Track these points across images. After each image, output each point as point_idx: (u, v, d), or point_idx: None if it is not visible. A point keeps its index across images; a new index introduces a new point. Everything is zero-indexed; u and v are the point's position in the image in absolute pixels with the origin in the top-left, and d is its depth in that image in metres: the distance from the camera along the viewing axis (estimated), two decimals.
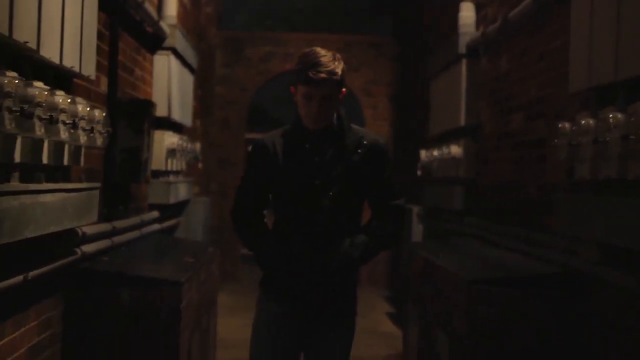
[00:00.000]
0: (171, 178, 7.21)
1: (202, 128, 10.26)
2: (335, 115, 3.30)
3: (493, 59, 6.42)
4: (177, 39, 6.93)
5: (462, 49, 6.89)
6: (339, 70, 3.16)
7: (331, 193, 3.26)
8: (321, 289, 3.32)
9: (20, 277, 3.37)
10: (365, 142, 3.32)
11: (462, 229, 6.86)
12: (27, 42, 3.12)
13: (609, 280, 3.87)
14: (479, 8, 6.98)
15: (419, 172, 8.50)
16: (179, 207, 7.95)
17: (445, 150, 7.29)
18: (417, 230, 8.53)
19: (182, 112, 7.54)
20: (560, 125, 4.16)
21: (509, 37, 5.94)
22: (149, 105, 5.68)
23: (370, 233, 3.35)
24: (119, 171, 5.30)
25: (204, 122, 10.53)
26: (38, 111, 3.11)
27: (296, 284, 3.32)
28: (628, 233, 3.45)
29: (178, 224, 7.82)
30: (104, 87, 5.01)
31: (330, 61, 3.16)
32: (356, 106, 12.57)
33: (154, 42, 6.63)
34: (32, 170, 3.42)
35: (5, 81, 2.81)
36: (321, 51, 3.21)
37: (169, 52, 6.82)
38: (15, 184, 3.16)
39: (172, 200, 6.94)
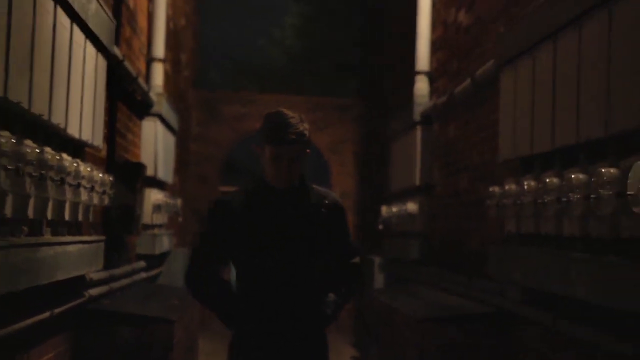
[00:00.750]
0: (156, 231, 7.98)
1: (179, 183, 11.05)
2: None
3: (443, 127, 7.31)
4: (162, 105, 7.76)
5: (417, 117, 7.79)
6: (306, 132, 3.25)
7: (296, 250, 3.31)
8: (293, 346, 3.34)
9: (47, 313, 4.12)
10: (326, 201, 3.40)
11: (417, 277, 7.68)
12: (59, 124, 3.92)
13: (529, 317, 4.70)
14: (432, 81, 7.88)
15: (380, 227, 9.32)
16: (161, 257, 8.70)
17: (402, 206, 8.14)
18: (379, 279, 9.32)
19: (165, 171, 8.34)
20: (490, 189, 5.02)
21: (455, 109, 6.83)
22: (141, 167, 6.48)
23: (337, 291, 3.41)
24: (115, 225, 6.06)
25: (181, 178, 11.32)
26: (68, 179, 3.90)
27: (268, 341, 3.32)
28: (541, 277, 4.28)
29: (160, 272, 8.57)
30: (104, 152, 5.80)
31: (299, 122, 3.24)
32: (323, 162, 13.44)
33: (143, 109, 7.44)
34: (58, 226, 4.19)
35: (49, 157, 3.60)
36: (288, 113, 3.29)
37: (155, 118, 7.64)
38: (48, 237, 3.93)
39: (157, 251, 7.71)
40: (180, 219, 10.35)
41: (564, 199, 3.86)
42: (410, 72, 8.41)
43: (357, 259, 3.51)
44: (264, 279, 3.31)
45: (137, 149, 7.38)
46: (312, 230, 3.34)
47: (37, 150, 3.51)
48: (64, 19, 3.88)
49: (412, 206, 7.85)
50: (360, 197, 12.60)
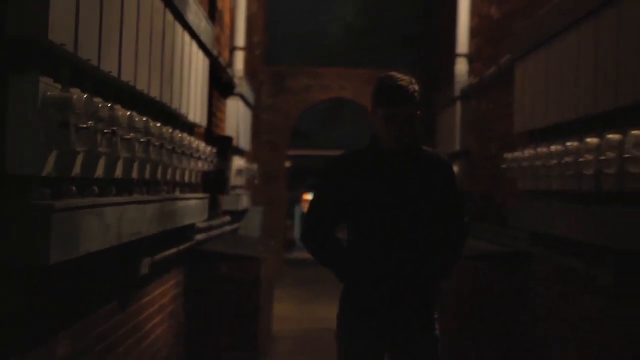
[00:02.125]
0: (238, 191, 9.56)
1: (254, 150, 12.63)
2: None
3: (478, 103, 8.71)
4: (243, 87, 9.30)
5: (457, 93, 9.19)
6: (416, 93, 3.34)
7: (409, 210, 3.39)
8: (404, 303, 3.42)
9: (174, 249, 5.69)
10: (437, 162, 3.48)
11: None
12: (185, 113, 5.46)
13: (535, 255, 6.14)
14: (470, 62, 9.26)
15: None
16: (242, 213, 10.30)
17: None
18: None
19: (244, 141, 9.90)
20: (505, 155, 6.45)
21: (486, 89, 8.23)
22: (230, 139, 8.04)
23: (447, 250, 3.50)
24: (213, 186, 7.64)
25: (254, 145, 12.90)
26: (190, 152, 5.45)
27: (379, 297, 3.42)
28: (543, 223, 5.70)
29: (239, 226, 10.18)
30: (204, 128, 7.35)
31: (409, 84, 3.33)
32: None
33: (228, 90, 8.98)
34: (182, 186, 5.75)
35: (179, 136, 5.14)
36: (399, 75, 3.37)
37: (237, 97, 9.18)
38: (179, 194, 5.49)
39: (239, 207, 9.29)
40: (256, 182, 11.94)
41: (556, 162, 5.23)
42: (454, 53, 9.78)
43: (465, 218, 3.57)
44: (377, 238, 3.40)
45: (223, 123, 8.93)
46: (424, 190, 3.42)
47: (172, 132, 5.05)
48: (187, 38, 5.41)
49: (454, 168, 9.29)
50: None
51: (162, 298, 5.77)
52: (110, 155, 3.48)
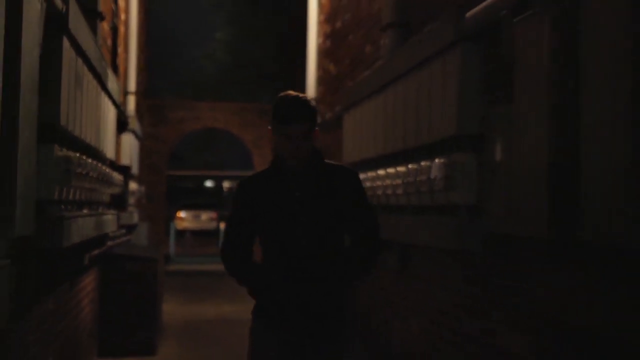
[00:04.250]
0: (131, 209, 11.70)
1: (139, 173, 14.76)
2: (311, 152, 3.49)
3: (323, 137, 11.18)
4: (134, 124, 11.48)
5: None
6: (313, 111, 3.43)
7: (316, 225, 3.45)
8: (313, 313, 3.50)
9: (97, 250, 7.84)
10: (343, 173, 3.57)
11: None
12: (105, 152, 7.64)
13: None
14: (317, 104, 11.73)
15: None
16: (133, 227, 12.45)
17: None
18: None
19: (135, 167, 12.07)
20: None
21: (328, 127, 10.70)
22: (129, 168, 10.22)
23: (350, 259, 3.57)
24: (117, 204, 9.79)
25: (140, 168, 15.02)
26: (109, 179, 7.62)
27: (289, 312, 3.50)
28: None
29: (131, 237, 12.33)
30: (113, 160, 9.49)
31: (305, 102, 3.42)
32: (248, 153, 17.22)
33: (123, 127, 11.13)
34: (103, 204, 7.90)
35: (102, 168, 7.32)
36: (295, 94, 3.47)
37: (130, 133, 11.34)
38: (103, 211, 7.66)
39: (132, 222, 11.44)
40: (143, 201, 14.06)
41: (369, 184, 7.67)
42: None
43: (376, 228, 3.65)
44: (286, 255, 3.49)
45: (120, 154, 11.08)
46: (330, 202, 3.48)
47: (101, 167, 7.23)
48: (106, 99, 7.62)
49: None
50: None
51: (88, 286, 7.92)
52: (78, 186, 5.69)
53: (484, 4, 4.81)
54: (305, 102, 3.44)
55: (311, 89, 11.78)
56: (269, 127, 3.53)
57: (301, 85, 13.35)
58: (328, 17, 11.15)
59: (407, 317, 6.84)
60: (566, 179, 3.85)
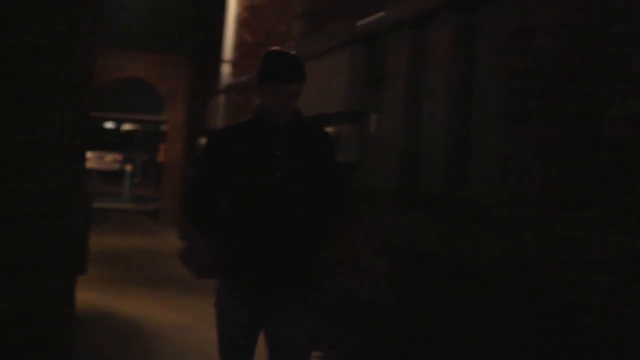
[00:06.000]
0: None
1: None
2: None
3: (237, 96, 12.89)
4: None
5: (223, 87, 13.30)
6: (304, 70, 3.37)
7: (288, 183, 3.38)
8: (281, 271, 3.40)
9: None
10: (320, 134, 3.54)
11: None
12: None
13: None
14: (233, 67, 13.39)
15: (198, 151, 14.82)
16: None
17: None
18: None
19: None
20: None
21: (242, 89, 12.39)
22: None
23: (323, 222, 3.54)
24: None
25: None
26: None
27: (256, 269, 3.39)
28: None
29: None
30: None
31: (298, 61, 3.36)
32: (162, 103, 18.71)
33: None
34: None
35: None
36: (287, 52, 3.40)
37: None
38: None
39: None
40: None
41: None
42: (221, 58, 13.80)
43: (340, 187, 3.62)
44: (257, 210, 3.38)
45: None
46: (306, 162, 3.43)
47: None
48: None
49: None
50: (187, 130, 18.03)
51: None
52: None
53: (369, 18, 6.63)
54: (299, 62, 3.39)
55: (228, 52, 13.41)
56: (256, 83, 3.40)
57: (218, 47, 14.96)
58: None
59: None
60: (412, 149, 5.74)
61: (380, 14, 6.44)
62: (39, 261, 4.28)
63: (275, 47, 3.51)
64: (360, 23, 6.84)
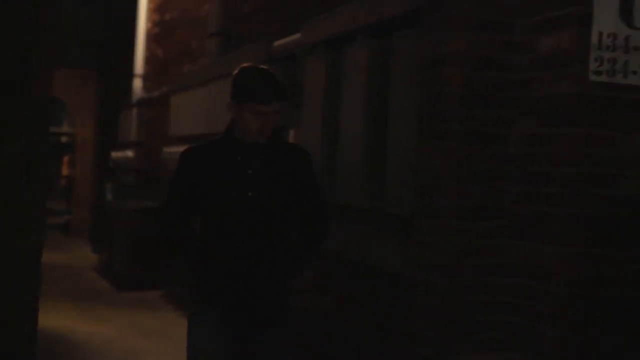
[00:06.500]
0: None
1: None
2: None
3: (148, 110, 13.07)
4: None
5: (134, 101, 13.47)
6: (286, 87, 3.41)
7: (265, 203, 3.29)
8: (256, 293, 3.32)
9: None
10: (297, 153, 3.47)
11: (133, 194, 13.44)
12: None
13: None
14: (144, 81, 13.57)
15: (110, 164, 14.92)
16: None
17: (125, 152, 13.85)
18: (110, 195, 14.93)
19: None
20: (164, 149, 10.92)
21: (154, 103, 12.58)
22: None
23: (305, 242, 3.49)
24: None
25: None
26: None
27: (231, 293, 3.30)
28: None
29: None
30: None
31: (277, 79, 3.31)
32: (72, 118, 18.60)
33: None
34: None
35: None
36: (264, 69, 3.33)
37: None
38: None
39: None
40: None
41: None
42: (132, 73, 13.97)
43: (324, 206, 3.57)
44: (231, 231, 3.30)
45: None
46: (283, 181, 3.35)
47: None
48: None
49: (130, 153, 13.58)
50: (98, 143, 18.04)
51: None
52: None
53: (286, 39, 7.00)
54: (279, 80, 3.35)
55: (139, 67, 13.59)
56: (230, 102, 3.34)
57: (129, 60, 15.09)
58: (157, 8, 13.00)
59: None
60: (331, 164, 6.14)
61: (297, 35, 6.82)
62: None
63: (247, 64, 3.41)
64: (277, 43, 7.20)
